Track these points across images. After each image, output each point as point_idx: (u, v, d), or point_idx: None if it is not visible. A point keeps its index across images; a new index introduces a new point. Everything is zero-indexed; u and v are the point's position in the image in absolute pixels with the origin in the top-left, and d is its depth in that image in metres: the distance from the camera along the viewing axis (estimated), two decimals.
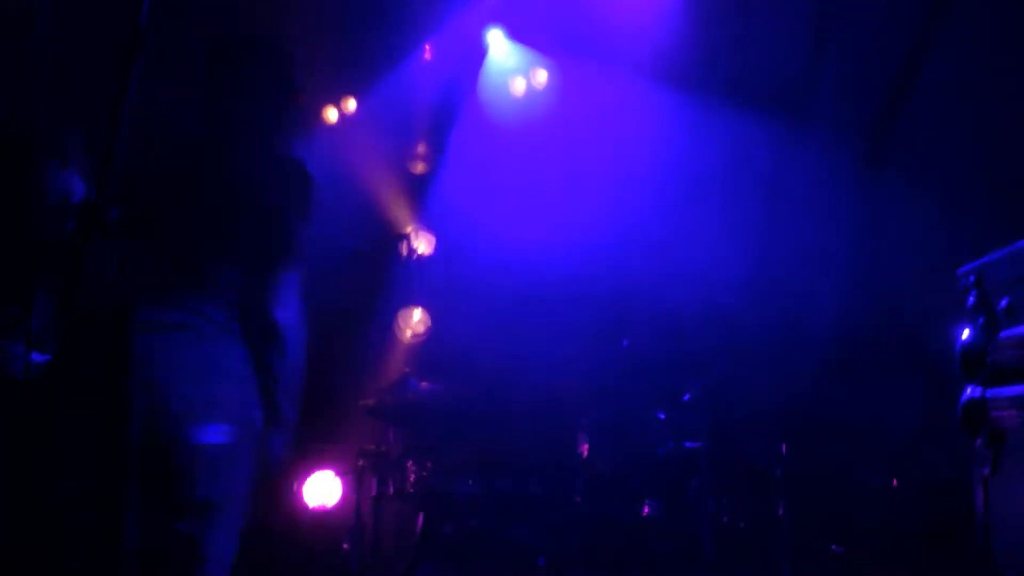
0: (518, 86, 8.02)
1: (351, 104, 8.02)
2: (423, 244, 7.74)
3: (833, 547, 6.51)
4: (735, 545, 6.58)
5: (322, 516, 7.34)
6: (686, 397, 6.80)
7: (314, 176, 3.95)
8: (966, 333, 3.06)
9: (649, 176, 7.47)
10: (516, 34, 8.04)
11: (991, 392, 3.01)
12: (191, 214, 3.79)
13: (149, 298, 3.65)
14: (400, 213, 7.98)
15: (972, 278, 3.06)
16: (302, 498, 7.21)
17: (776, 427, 6.58)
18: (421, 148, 8.14)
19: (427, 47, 8.00)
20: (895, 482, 6.49)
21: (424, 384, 6.90)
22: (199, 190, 3.82)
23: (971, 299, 3.04)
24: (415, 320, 7.81)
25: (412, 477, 7.06)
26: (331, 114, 7.99)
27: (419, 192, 8.12)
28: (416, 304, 7.91)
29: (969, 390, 3.08)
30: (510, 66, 8.05)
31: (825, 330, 6.89)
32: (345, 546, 7.03)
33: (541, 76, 7.98)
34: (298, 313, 3.81)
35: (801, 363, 6.80)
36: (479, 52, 8.13)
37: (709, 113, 7.33)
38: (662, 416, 6.92)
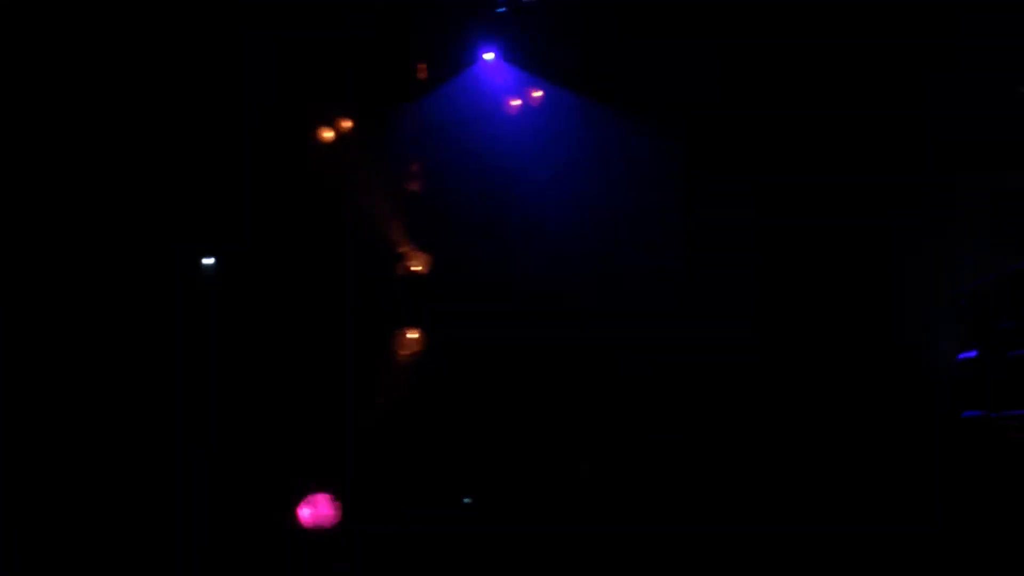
0: (513, 104, 8.04)
1: (346, 124, 8.01)
2: (419, 263, 7.73)
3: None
4: None
5: (318, 537, 7.32)
6: None
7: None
8: (964, 355, 3.05)
9: None
10: (509, 56, 8.09)
11: (996, 412, 3.00)
12: None
13: None
14: (396, 233, 7.95)
15: (964, 302, 3.05)
16: (299, 519, 7.20)
17: None
18: (417, 167, 8.12)
19: (422, 67, 7.99)
20: None
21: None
22: None
23: (966, 321, 3.03)
24: (411, 339, 7.78)
25: (409, 499, 7.09)
26: (327, 134, 7.98)
27: (415, 211, 8.09)
28: (412, 323, 7.89)
29: (972, 408, 3.08)
30: (504, 85, 8.09)
31: None
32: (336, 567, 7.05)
33: (535, 94, 8.03)
34: None
35: None
36: (474, 72, 8.15)
37: None
38: None
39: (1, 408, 7.30)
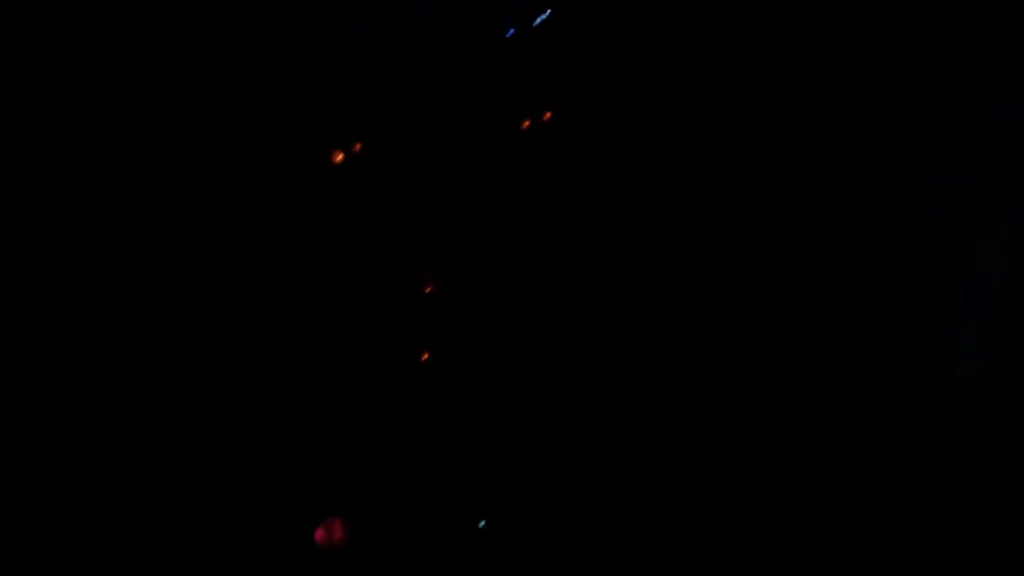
0: (527, 113, 8.08)
1: (357, 147, 8.03)
2: (433, 277, 7.78)
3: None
4: None
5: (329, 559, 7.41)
6: None
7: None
8: None
9: None
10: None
11: None
12: None
13: None
14: (408, 246, 8.00)
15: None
16: (311, 542, 7.26)
17: None
18: (430, 173, 8.15)
19: (437, 71, 8.02)
20: None
21: None
22: None
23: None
24: (424, 357, 7.84)
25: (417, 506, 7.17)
26: (337, 156, 7.99)
27: (428, 220, 8.13)
28: (425, 338, 7.95)
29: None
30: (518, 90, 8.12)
31: None
32: None
33: (546, 116, 8.07)
34: None
35: None
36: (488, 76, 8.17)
37: None
38: None
39: (1, 408, 7.34)
